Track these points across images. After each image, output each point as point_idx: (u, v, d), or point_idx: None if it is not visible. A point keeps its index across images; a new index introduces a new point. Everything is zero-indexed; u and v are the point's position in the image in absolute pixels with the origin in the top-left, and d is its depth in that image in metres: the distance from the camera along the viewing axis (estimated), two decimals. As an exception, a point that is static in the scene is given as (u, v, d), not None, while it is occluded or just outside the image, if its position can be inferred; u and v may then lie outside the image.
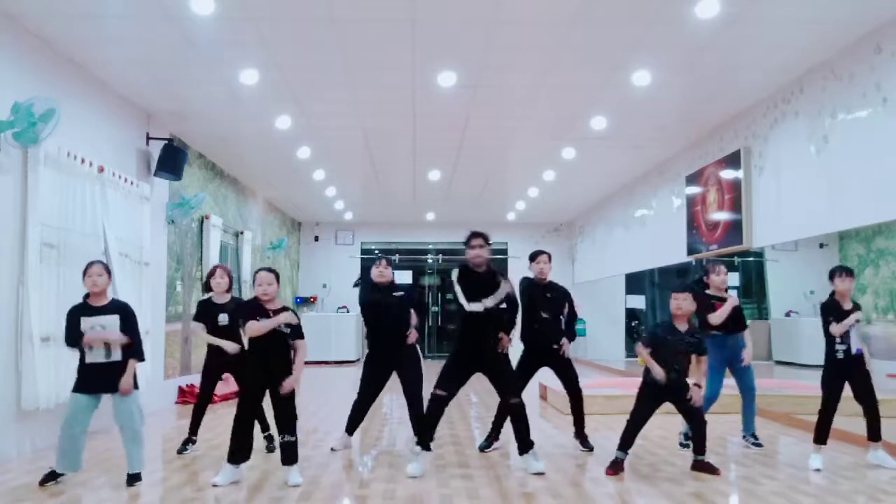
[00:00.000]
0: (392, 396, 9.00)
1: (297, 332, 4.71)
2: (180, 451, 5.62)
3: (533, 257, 5.90)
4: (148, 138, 8.01)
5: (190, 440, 5.67)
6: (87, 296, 4.63)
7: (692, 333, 4.97)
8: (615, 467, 4.87)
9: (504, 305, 5.06)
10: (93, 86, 6.80)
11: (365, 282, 5.88)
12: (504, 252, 17.01)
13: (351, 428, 5.83)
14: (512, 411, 5.05)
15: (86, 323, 4.52)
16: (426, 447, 4.97)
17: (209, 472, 4.89)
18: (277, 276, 4.70)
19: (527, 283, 5.81)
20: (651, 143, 9.72)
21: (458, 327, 5.14)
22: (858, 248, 10.40)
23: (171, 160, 7.94)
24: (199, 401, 5.71)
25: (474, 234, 5.06)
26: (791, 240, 7.85)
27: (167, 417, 7.74)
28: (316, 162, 10.65)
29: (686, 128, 9.00)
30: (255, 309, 4.61)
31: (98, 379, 4.53)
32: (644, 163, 11.02)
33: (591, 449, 5.71)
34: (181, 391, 8.94)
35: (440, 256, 17.72)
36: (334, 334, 15.51)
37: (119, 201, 7.01)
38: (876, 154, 5.98)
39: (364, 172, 11.54)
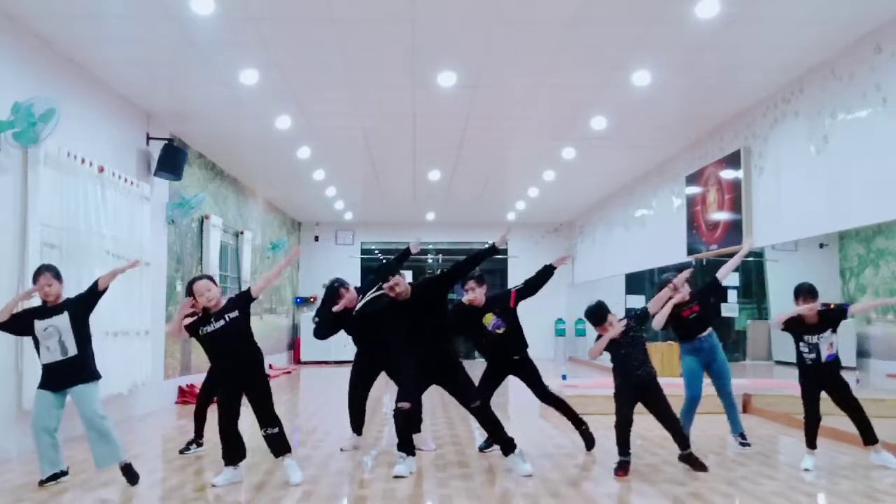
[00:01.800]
0: (392, 397, 9.00)
1: (243, 299, 4.71)
2: (182, 451, 5.62)
3: (462, 285, 5.53)
4: (148, 138, 8.01)
5: (196, 442, 5.66)
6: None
7: (628, 330, 4.95)
8: (623, 468, 4.85)
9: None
10: (93, 86, 6.80)
11: (326, 319, 5.76)
12: (504, 252, 16.99)
13: (358, 427, 5.81)
14: (476, 415, 4.99)
15: (39, 325, 4.55)
16: (411, 453, 4.95)
17: (209, 473, 4.89)
18: (214, 280, 4.74)
19: (459, 310, 5.49)
20: (651, 143, 9.72)
21: (406, 343, 5.09)
22: (858, 248, 10.39)
23: (171, 160, 7.94)
24: (198, 403, 5.68)
25: (388, 271, 4.95)
26: (791, 240, 7.85)
27: (167, 417, 7.74)
28: (316, 162, 10.65)
29: (686, 128, 9.00)
30: (204, 317, 4.62)
31: (58, 377, 4.55)
32: (644, 163, 11.02)
33: (591, 446, 5.71)
34: (181, 391, 8.94)
35: (440, 256, 17.71)
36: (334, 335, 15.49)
37: (119, 201, 7.01)
38: (876, 154, 5.97)
39: (364, 172, 11.54)
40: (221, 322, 4.57)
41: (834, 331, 4.97)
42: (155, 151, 8.00)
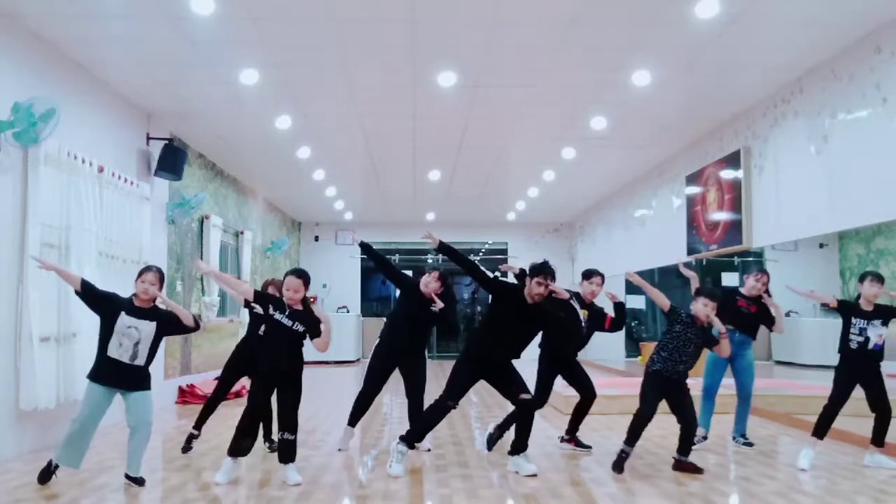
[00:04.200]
0: (392, 397, 9.00)
1: (313, 330, 4.83)
2: (185, 450, 5.63)
3: (587, 276, 5.99)
4: (148, 138, 8.01)
5: (193, 435, 5.67)
6: (134, 294, 4.62)
7: (705, 328, 5.03)
8: (621, 460, 4.88)
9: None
10: (93, 86, 6.80)
11: (409, 286, 5.94)
12: (504, 252, 17.01)
13: (354, 420, 5.81)
14: (523, 409, 4.99)
15: (126, 320, 4.50)
16: (412, 446, 4.99)
17: (210, 472, 4.89)
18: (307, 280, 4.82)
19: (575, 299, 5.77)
20: (651, 143, 9.72)
21: (471, 338, 5.19)
22: (858, 248, 10.40)
23: (171, 160, 7.94)
24: (214, 396, 5.68)
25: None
26: (791, 240, 7.85)
27: (167, 417, 7.74)
28: (316, 162, 10.65)
29: (686, 128, 9.00)
30: (280, 305, 4.73)
31: (115, 375, 4.52)
32: (644, 163, 11.02)
33: (588, 447, 5.72)
34: (181, 391, 8.94)
35: (440, 257, 17.70)
36: (334, 334, 15.43)
37: (119, 201, 7.01)
38: (876, 154, 5.98)
39: (364, 172, 11.54)
40: (292, 324, 4.67)
41: (885, 324, 5.02)
42: (155, 151, 8.00)
